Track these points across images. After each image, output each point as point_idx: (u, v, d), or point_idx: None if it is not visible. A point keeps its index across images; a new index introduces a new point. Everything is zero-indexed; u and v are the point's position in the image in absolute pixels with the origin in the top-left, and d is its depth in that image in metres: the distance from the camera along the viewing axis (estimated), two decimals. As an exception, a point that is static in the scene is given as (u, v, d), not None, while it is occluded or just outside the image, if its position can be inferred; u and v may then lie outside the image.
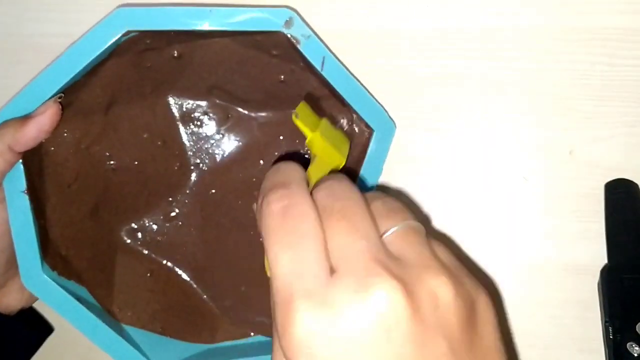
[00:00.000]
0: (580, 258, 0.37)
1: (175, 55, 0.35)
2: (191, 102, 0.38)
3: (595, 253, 0.36)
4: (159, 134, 0.38)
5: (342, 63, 0.33)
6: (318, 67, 0.32)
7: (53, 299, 0.33)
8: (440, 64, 0.37)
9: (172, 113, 0.38)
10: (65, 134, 0.36)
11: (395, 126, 0.34)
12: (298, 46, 0.32)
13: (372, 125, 0.34)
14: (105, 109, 0.36)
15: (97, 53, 0.31)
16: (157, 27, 0.31)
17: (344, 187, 0.22)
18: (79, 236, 0.37)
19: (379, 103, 0.34)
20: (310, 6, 0.37)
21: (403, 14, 0.37)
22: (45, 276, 0.33)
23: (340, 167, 0.30)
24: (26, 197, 0.32)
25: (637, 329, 0.33)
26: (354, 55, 0.37)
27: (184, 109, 0.38)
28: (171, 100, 0.38)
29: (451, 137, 0.37)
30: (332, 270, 0.19)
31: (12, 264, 0.33)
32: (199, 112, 0.38)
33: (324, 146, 0.29)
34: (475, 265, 0.38)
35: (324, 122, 0.31)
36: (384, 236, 0.20)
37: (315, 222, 0.20)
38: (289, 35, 0.31)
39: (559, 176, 0.37)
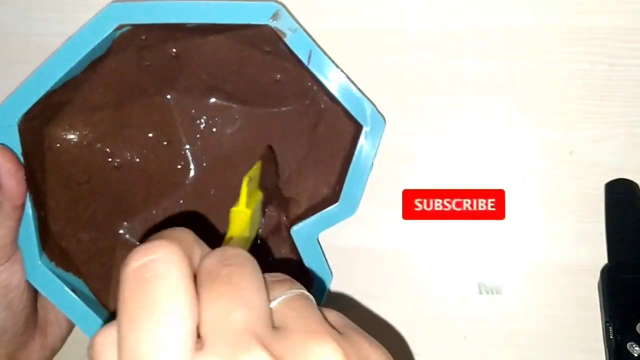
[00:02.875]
0: (581, 258, 0.37)
1: (173, 54, 0.35)
2: (194, 102, 0.38)
3: (595, 253, 0.36)
4: (165, 133, 0.38)
5: (330, 58, 0.33)
6: (305, 60, 0.32)
7: (49, 289, 0.34)
8: (440, 63, 0.37)
9: (177, 112, 0.38)
10: (71, 132, 0.36)
11: (385, 122, 0.34)
12: (284, 39, 0.32)
13: (360, 121, 0.33)
14: (113, 107, 0.37)
15: (91, 47, 0.32)
16: (148, 20, 0.32)
17: (238, 253, 0.19)
18: (82, 231, 0.38)
19: (368, 98, 0.34)
20: (308, 6, 0.37)
21: (403, 13, 0.37)
22: (43, 266, 0.33)
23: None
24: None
25: (637, 329, 0.33)
26: (353, 55, 0.37)
27: (188, 109, 0.38)
28: (175, 100, 0.38)
29: (450, 137, 0.37)
30: (199, 345, 0.16)
31: (30, 323, 0.34)
32: (201, 112, 0.39)
33: (244, 227, 0.30)
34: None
35: (259, 196, 0.33)
36: (270, 305, 0.18)
37: (179, 285, 0.16)
38: (275, 29, 0.32)
39: (559, 176, 0.37)
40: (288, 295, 0.19)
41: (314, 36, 0.34)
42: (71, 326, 0.37)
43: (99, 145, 0.37)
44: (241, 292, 0.17)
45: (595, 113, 0.36)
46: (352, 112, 0.33)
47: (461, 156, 0.37)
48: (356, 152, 0.34)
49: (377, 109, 0.33)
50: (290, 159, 0.38)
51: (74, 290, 0.34)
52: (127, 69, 0.35)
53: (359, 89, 0.33)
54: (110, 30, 0.32)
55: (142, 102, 0.37)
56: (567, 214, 0.37)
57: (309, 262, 0.35)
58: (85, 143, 0.37)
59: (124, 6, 0.32)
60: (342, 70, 0.33)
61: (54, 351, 0.36)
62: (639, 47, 0.35)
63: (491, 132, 0.37)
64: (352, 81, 0.33)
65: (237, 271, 0.18)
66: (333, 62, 0.33)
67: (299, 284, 0.20)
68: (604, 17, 0.35)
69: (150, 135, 0.38)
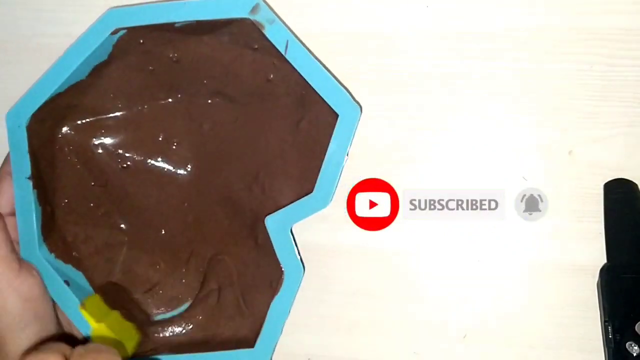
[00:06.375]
0: (580, 258, 0.37)
1: (174, 59, 0.37)
2: (199, 105, 0.39)
3: (595, 253, 0.36)
4: (174, 136, 0.40)
5: (307, 48, 0.33)
6: (282, 50, 0.33)
7: (44, 277, 0.35)
8: (440, 64, 0.37)
9: (185, 115, 0.40)
10: (83, 135, 0.38)
11: (361, 109, 0.33)
12: (263, 31, 0.33)
13: (335, 109, 0.33)
14: (125, 111, 0.39)
15: (91, 51, 0.34)
16: (139, 22, 0.34)
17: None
18: (90, 227, 0.39)
19: (345, 87, 0.33)
20: (308, 8, 0.37)
21: (403, 14, 0.37)
22: (40, 256, 0.35)
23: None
24: (29, 182, 0.34)
25: (636, 329, 0.33)
26: (353, 56, 0.37)
27: (195, 112, 0.39)
28: (182, 103, 0.39)
29: (450, 137, 0.37)
30: None
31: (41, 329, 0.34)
32: (206, 114, 0.39)
33: (108, 339, 0.32)
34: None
35: (115, 315, 0.35)
36: None
37: None
38: (254, 21, 0.33)
39: (559, 176, 0.37)
40: None
41: (314, 39, 0.34)
42: None
43: (111, 148, 0.39)
44: None
45: (595, 113, 0.36)
46: (329, 101, 0.33)
47: (461, 156, 0.38)
48: (331, 140, 0.33)
49: (352, 96, 0.33)
50: (276, 147, 0.39)
51: (71, 281, 0.36)
52: (132, 74, 0.37)
53: (336, 78, 0.33)
54: (107, 34, 0.34)
55: (153, 105, 0.39)
56: (567, 214, 0.37)
57: (280, 252, 0.35)
58: (98, 146, 0.39)
59: (119, 11, 0.34)
60: (318, 60, 0.33)
61: None
62: (638, 47, 0.35)
63: (491, 132, 0.37)
64: (328, 70, 0.33)
65: None
66: (310, 52, 0.33)
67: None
68: (603, 17, 0.35)
69: (160, 138, 0.40)
